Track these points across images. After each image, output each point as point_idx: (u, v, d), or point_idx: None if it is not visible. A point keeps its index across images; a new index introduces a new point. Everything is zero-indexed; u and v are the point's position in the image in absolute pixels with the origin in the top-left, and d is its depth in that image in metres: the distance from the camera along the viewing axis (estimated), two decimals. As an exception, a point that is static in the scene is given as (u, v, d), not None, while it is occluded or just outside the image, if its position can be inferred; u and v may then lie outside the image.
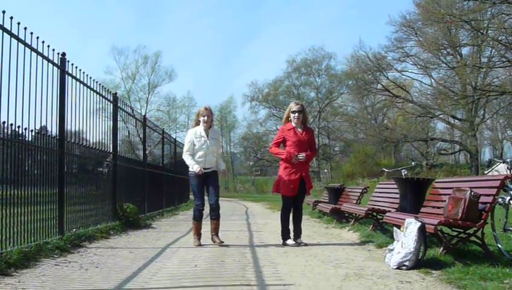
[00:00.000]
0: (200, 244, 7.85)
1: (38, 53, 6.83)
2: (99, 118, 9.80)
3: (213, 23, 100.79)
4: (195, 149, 8.03)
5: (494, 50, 33.63)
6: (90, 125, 9.16)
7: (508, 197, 6.30)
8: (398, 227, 5.98)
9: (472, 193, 5.68)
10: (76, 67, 8.23)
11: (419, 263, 5.51)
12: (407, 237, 5.58)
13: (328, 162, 59.33)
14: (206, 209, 8.19)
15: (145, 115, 16.26)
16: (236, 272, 5.44)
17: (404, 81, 45.74)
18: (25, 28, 6.40)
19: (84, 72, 8.57)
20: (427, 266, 5.44)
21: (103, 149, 10.34)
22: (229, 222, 12.68)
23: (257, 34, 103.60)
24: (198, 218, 8.04)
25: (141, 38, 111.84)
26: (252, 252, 7.04)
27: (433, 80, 42.09)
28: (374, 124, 54.02)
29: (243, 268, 5.67)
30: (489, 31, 31.02)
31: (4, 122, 5.95)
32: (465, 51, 38.45)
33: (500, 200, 6.31)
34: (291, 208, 8.06)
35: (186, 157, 8.07)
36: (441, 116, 42.05)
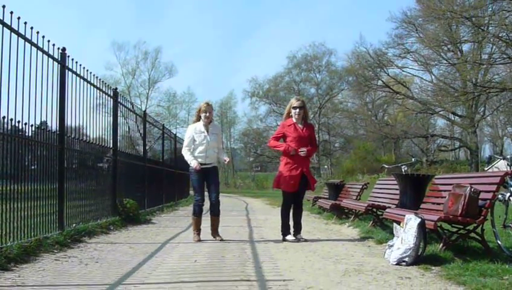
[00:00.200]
0: (199, 240, 7.86)
1: (38, 48, 6.81)
2: (99, 113, 9.81)
3: (213, 19, 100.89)
4: (195, 144, 8.02)
5: (494, 47, 33.57)
6: (91, 120, 9.17)
7: (508, 194, 6.30)
8: (398, 223, 5.98)
9: (472, 190, 5.67)
10: (76, 62, 8.23)
11: (419, 259, 5.51)
12: (407, 233, 5.58)
13: (328, 158, 59.37)
14: (206, 205, 8.19)
15: (145, 111, 16.25)
16: (236, 267, 5.45)
17: (405, 78, 45.70)
18: (25, 23, 6.38)
19: (84, 67, 8.57)
20: (426, 262, 5.45)
21: (103, 144, 10.34)
22: (229, 217, 12.69)
23: (257, 29, 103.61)
24: (198, 213, 8.04)
25: (141, 34, 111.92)
26: (252, 248, 7.04)
27: (433, 77, 42.12)
28: (374, 120, 53.98)
29: (243, 263, 5.67)
30: (490, 28, 31.01)
31: (4, 117, 5.94)
32: (465, 47, 38.45)
33: (500, 196, 6.31)
34: (292, 204, 8.06)
35: (185, 153, 8.07)
36: (441, 112, 42.02)
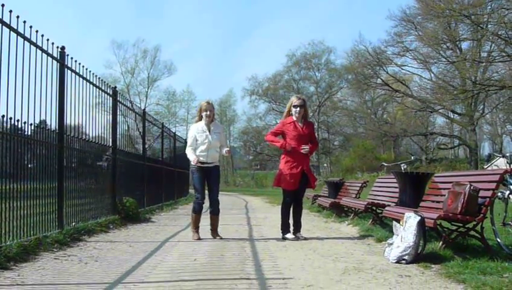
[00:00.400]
0: (198, 238, 7.86)
1: (37, 47, 6.81)
2: (98, 112, 9.80)
3: (213, 17, 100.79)
4: (197, 144, 8.03)
5: (493, 44, 33.56)
6: (90, 119, 9.17)
7: (508, 192, 6.31)
8: (398, 221, 5.98)
9: (471, 187, 5.67)
10: (75, 61, 8.22)
11: (419, 257, 5.52)
12: (406, 231, 5.58)
13: (328, 156, 59.38)
14: (206, 204, 8.20)
15: (144, 109, 16.24)
16: (235, 265, 5.45)
17: (404, 76, 45.74)
18: (24, 22, 6.38)
19: (83, 66, 8.56)
20: (426, 260, 5.45)
21: (103, 143, 10.33)
22: (229, 215, 12.69)
23: (257, 28, 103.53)
24: (197, 211, 8.05)
25: (141, 32, 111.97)
26: (252, 246, 7.04)
27: (432, 75, 42.12)
28: (373, 118, 54.07)
29: (243, 262, 5.68)
30: (489, 26, 30.98)
31: (3, 116, 5.94)
32: (464, 45, 38.45)
33: (499, 194, 6.32)
34: (292, 202, 8.06)
35: (188, 151, 8.08)
36: (440, 110, 42.05)
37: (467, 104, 39.10)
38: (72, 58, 8.06)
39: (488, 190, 5.77)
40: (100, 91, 9.72)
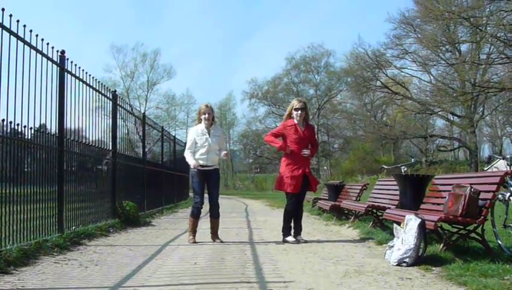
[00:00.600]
0: (195, 242, 7.86)
1: (37, 51, 6.81)
2: (98, 115, 9.81)
3: (212, 20, 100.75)
4: (197, 147, 8.02)
5: (493, 47, 33.63)
6: (90, 123, 9.17)
7: (508, 194, 6.29)
8: (398, 224, 5.98)
9: (472, 190, 5.67)
10: (75, 65, 8.22)
11: (420, 259, 5.51)
12: (407, 234, 5.58)
13: (328, 159, 59.40)
14: (205, 207, 8.19)
15: (144, 113, 16.24)
16: (236, 269, 5.44)
17: (403, 78, 45.80)
18: (24, 26, 6.38)
19: (83, 70, 8.57)
20: (427, 263, 5.44)
21: (102, 147, 10.33)
22: (229, 219, 12.68)
23: (257, 31, 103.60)
24: (195, 216, 8.05)
25: (141, 36, 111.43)
26: (252, 249, 7.04)
27: (432, 77, 42.19)
28: (373, 121, 54.06)
29: (243, 265, 5.67)
30: (488, 28, 31.00)
31: (3, 120, 5.94)
32: (464, 47, 38.51)
33: (500, 196, 6.31)
34: (296, 205, 8.03)
35: (187, 155, 8.07)
36: (440, 113, 42.07)
37: (466, 106, 39.11)
38: (72, 62, 8.07)
39: (489, 192, 5.76)
40: (100, 95, 9.72)
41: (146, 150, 15.06)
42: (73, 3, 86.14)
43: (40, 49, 6.90)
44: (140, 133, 14.67)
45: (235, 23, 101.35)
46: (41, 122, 7.07)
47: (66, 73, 7.89)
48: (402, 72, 44.58)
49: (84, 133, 9.24)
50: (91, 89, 9.07)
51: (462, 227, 6.03)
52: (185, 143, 8.21)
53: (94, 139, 9.72)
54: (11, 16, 6.00)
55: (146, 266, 5.69)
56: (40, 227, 6.93)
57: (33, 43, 6.67)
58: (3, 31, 5.89)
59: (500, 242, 6.09)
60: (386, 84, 44.83)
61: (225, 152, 8.23)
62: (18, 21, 6.19)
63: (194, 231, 8.02)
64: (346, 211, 11.63)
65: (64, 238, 7.32)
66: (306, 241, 7.81)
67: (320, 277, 4.97)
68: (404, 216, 5.85)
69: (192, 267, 5.59)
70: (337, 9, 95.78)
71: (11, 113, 6.00)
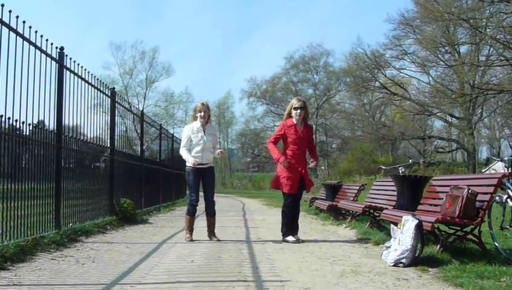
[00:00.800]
0: (191, 240, 7.87)
1: (36, 47, 6.80)
2: (97, 112, 9.80)
3: (211, 19, 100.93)
4: (192, 145, 8.02)
5: (492, 48, 33.69)
6: (88, 120, 9.17)
7: (505, 196, 6.30)
8: (395, 224, 5.98)
9: (469, 191, 5.67)
10: (74, 61, 8.22)
11: (416, 260, 5.51)
12: (404, 235, 5.58)
13: (326, 159, 59.35)
14: (201, 206, 8.19)
15: (142, 110, 16.24)
16: (233, 267, 5.44)
17: (402, 79, 45.86)
18: (24, 22, 6.37)
19: (82, 67, 8.56)
20: (424, 264, 5.44)
21: (100, 144, 10.33)
22: (226, 217, 12.68)
23: (255, 30, 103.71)
24: (191, 213, 8.06)
25: (140, 33, 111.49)
26: (249, 248, 7.04)
27: (431, 78, 42.24)
28: (371, 121, 54.13)
29: (240, 264, 5.67)
30: (488, 30, 31.03)
31: (2, 116, 5.93)
32: (463, 49, 38.57)
33: (497, 198, 6.31)
34: (294, 205, 8.03)
35: (183, 152, 8.07)
36: (438, 114, 42.13)
37: (465, 108, 39.17)
38: (71, 58, 8.07)
39: (486, 193, 5.77)
40: (98, 92, 9.72)
41: (144, 147, 15.06)
42: (73, 0, 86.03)
43: (39, 46, 6.89)
44: (139, 131, 14.67)
45: (235, 22, 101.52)
46: (40, 119, 7.07)
47: (64, 70, 7.88)
48: (401, 72, 44.70)
49: (82, 130, 9.25)
50: (90, 86, 9.06)
51: (459, 228, 6.04)
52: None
53: (92, 136, 9.72)
54: (10, 11, 6.00)
55: (143, 264, 5.69)
56: (37, 223, 6.93)
57: (32, 39, 6.66)
58: (3, 26, 5.88)
59: (496, 244, 6.09)
60: (384, 84, 44.87)
61: (220, 150, 8.24)
62: (17, 17, 6.18)
63: (190, 229, 8.02)
64: (343, 211, 11.62)
65: (61, 234, 7.31)
66: (303, 241, 7.81)
67: (316, 276, 4.97)
68: (401, 217, 5.86)
69: (189, 265, 5.59)
70: (336, 9, 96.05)
71: (9, 109, 6.01)
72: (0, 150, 5.99)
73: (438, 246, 5.94)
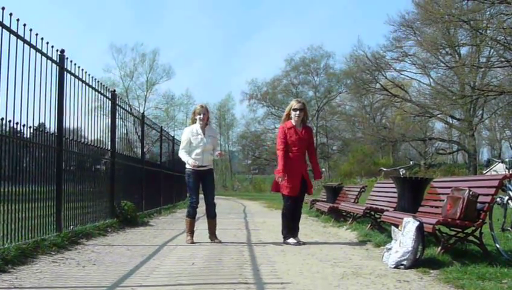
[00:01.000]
0: (192, 242, 7.86)
1: (37, 50, 6.81)
2: (97, 115, 9.80)
3: (212, 21, 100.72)
4: (192, 147, 8.03)
5: (492, 50, 33.64)
6: (89, 122, 9.17)
7: (507, 197, 6.30)
8: (396, 226, 5.98)
9: (470, 193, 5.67)
10: (75, 64, 8.22)
11: (417, 262, 5.51)
12: (405, 236, 5.58)
13: (326, 161, 59.34)
14: (201, 208, 8.19)
15: (143, 113, 16.25)
16: (233, 270, 5.44)
17: (403, 81, 45.78)
18: (24, 25, 6.38)
19: (83, 69, 8.56)
20: (425, 266, 5.44)
21: (101, 146, 10.33)
22: (227, 220, 12.67)
23: (256, 32, 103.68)
24: (191, 215, 8.07)
25: (140, 36, 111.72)
26: (250, 251, 7.03)
27: (431, 80, 42.17)
28: (372, 123, 54.13)
29: (241, 266, 5.66)
30: (488, 31, 31.00)
31: (2, 119, 5.93)
32: (463, 50, 38.52)
33: (498, 200, 6.31)
34: (294, 207, 8.01)
35: (182, 154, 8.08)
36: (439, 115, 42.07)
37: (465, 110, 39.14)
38: (71, 61, 8.07)
39: (487, 195, 5.76)
40: (99, 94, 9.72)
41: (145, 150, 15.06)
42: (74, 2, 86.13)
43: (40, 48, 6.90)
44: (139, 133, 14.67)
45: (235, 24, 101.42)
46: (41, 121, 7.07)
47: (65, 72, 7.89)
48: (401, 74, 44.59)
49: (83, 133, 9.24)
50: (90, 89, 9.07)
51: (460, 230, 6.03)
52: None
53: (93, 138, 9.72)
54: (11, 14, 6.00)
55: (144, 266, 5.69)
56: (38, 226, 6.93)
57: (33, 42, 6.67)
58: (3, 29, 5.89)
59: (498, 245, 6.08)
60: (385, 86, 44.84)
61: (219, 151, 8.24)
62: (18, 20, 6.19)
63: (191, 231, 8.02)
64: (344, 213, 11.62)
65: (62, 237, 7.31)
66: (304, 243, 7.80)
67: (317, 278, 4.97)
68: (402, 219, 5.86)
69: (189, 268, 5.59)
70: (336, 11, 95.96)
71: (10, 111, 6.01)
72: (1, 152, 5.99)
73: (439, 248, 5.93)
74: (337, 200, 12.81)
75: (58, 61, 7.64)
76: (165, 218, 14.01)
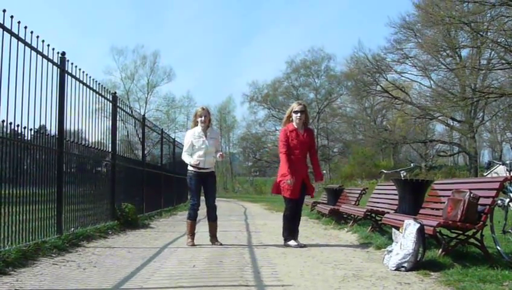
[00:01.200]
0: (193, 244, 7.85)
1: (38, 52, 6.82)
2: (98, 117, 9.81)
3: (213, 23, 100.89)
4: (194, 149, 8.03)
5: (493, 52, 33.64)
6: (90, 124, 9.17)
7: (507, 199, 6.30)
8: (397, 228, 5.97)
9: (471, 195, 5.66)
10: (76, 66, 8.23)
11: (418, 264, 5.51)
12: (406, 239, 5.57)
13: (327, 163, 59.33)
14: (202, 210, 8.19)
15: (144, 115, 16.26)
16: (234, 272, 5.43)
17: (404, 83, 45.80)
18: (25, 27, 6.39)
19: (83, 72, 8.58)
20: (425, 268, 5.44)
21: (102, 149, 10.34)
22: (228, 222, 12.67)
23: (257, 34, 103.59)
24: (192, 217, 8.06)
25: (141, 38, 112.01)
26: (251, 253, 7.03)
27: (432, 82, 42.21)
28: (373, 125, 54.11)
29: (241, 268, 5.66)
30: (489, 33, 31.00)
31: (3, 121, 5.94)
32: (464, 52, 38.51)
33: (499, 202, 6.30)
34: (295, 210, 8.00)
35: (185, 157, 8.08)
36: (440, 118, 42.06)
37: (466, 112, 39.12)
38: (72, 63, 8.09)
39: (488, 197, 5.75)
40: (100, 97, 9.73)
41: (145, 152, 15.07)
42: (74, 5, 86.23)
43: (41, 51, 6.91)
44: (140, 136, 14.68)
45: (236, 26, 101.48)
46: (41, 124, 7.08)
47: (66, 74, 7.90)
48: (402, 76, 44.63)
49: (83, 135, 9.25)
50: (91, 91, 9.08)
51: (461, 232, 6.03)
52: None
53: (94, 140, 9.73)
54: (12, 17, 6.01)
55: (144, 269, 5.69)
56: (39, 228, 6.93)
57: (34, 45, 6.68)
58: (4, 31, 5.89)
59: (499, 248, 6.08)
60: (386, 88, 44.83)
61: (220, 153, 8.23)
62: (19, 22, 6.20)
63: (192, 233, 8.02)
64: (345, 215, 11.61)
65: (63, 239, 7.32)
66: (305, 245, 7.79)
67: (318, 281, 4.97)
68: (403, 221, 5.85)
69: (190, 270, 5.59)
70: (337, 13, 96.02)
71: (11, 114, 6.01)
72: (2, 155, 6.00)
73: (440, 250, 5.93)
74: (338, 203, 12.81)
75: (59, 63, 7.65)
76: (165, 220, 14.01)
